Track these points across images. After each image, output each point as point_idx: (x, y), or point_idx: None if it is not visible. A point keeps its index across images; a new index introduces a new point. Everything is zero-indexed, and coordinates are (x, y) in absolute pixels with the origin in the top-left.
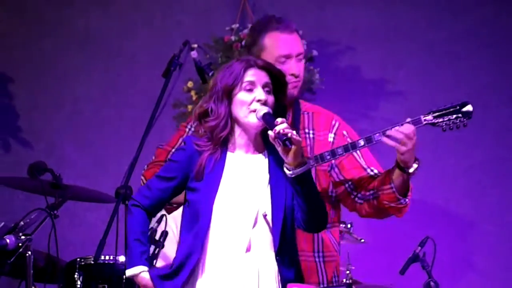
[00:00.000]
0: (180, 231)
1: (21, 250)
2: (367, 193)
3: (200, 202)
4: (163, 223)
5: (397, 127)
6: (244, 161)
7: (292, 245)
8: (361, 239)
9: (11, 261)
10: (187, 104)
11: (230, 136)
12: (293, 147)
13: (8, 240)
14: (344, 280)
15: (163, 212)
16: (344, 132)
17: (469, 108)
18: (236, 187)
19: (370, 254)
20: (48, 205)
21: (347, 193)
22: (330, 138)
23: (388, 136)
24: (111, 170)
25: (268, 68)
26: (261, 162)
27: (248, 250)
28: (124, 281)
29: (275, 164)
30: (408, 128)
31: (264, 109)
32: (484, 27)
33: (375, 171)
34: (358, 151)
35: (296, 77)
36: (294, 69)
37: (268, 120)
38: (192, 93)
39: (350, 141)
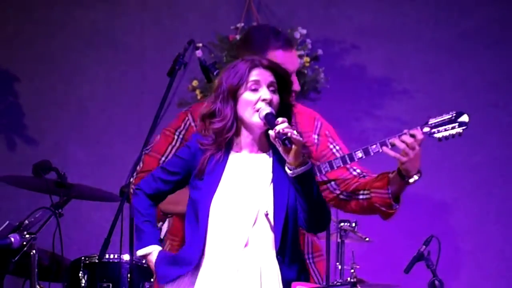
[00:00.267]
0: (185, 226)
1: (25, 248)
2: (359, 193)
3: (200, 200)
4: (167, 222)
5: (397, 137)
6: (247, 160)
7: (295, 245)
8: (366, 238)
9: (16, 259)
10: (192, 103)
11: (235, 136)
12: (293, 147)
13: (12, 239)
14: (349, 278)
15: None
16: (327, 132)
17: (465, 118)
18: (236, 186)
19: (375, 253)
20: (52, 204)
21: (329, 191)
22: (315, 140)
23: (392, 145)
24: (116, 169)
25: (273, 68)
26: (265, 161)
27: (246, 247)
28: (128, 280)
29: (279, 163)
30: (408, 138)
31: (267, 109)
32: (491, 26)
33: (358, 170)
34: (339, 151)
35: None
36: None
37: (269, 120)
38: (197, 92)
39: (331, 141)
